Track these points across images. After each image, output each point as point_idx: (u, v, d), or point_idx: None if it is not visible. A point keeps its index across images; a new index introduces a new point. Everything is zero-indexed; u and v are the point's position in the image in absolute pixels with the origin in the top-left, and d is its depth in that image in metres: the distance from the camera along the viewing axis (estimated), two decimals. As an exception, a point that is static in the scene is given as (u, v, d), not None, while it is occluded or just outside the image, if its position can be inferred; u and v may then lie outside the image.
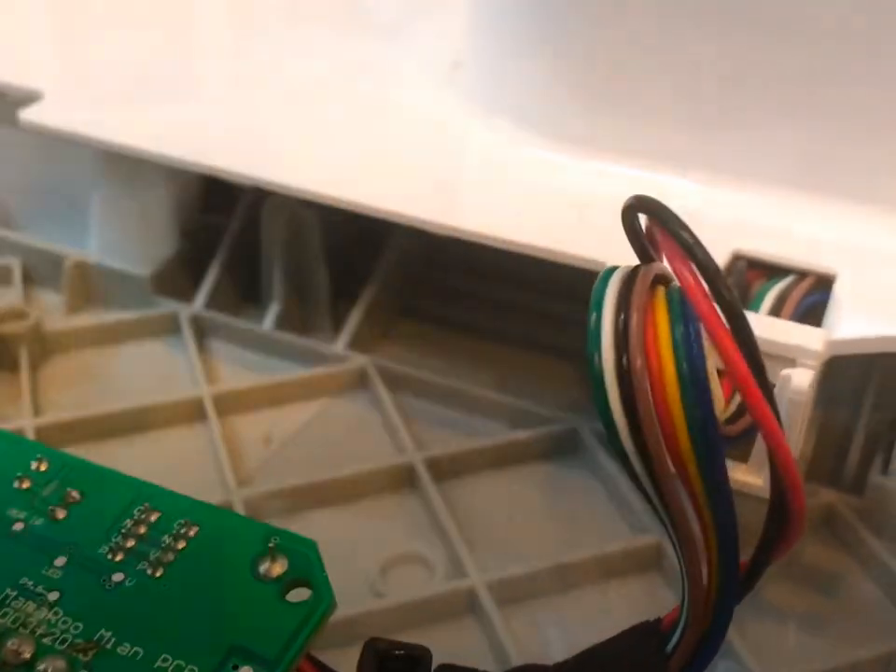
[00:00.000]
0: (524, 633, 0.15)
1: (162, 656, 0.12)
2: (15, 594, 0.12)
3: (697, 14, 0.18)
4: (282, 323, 0.21)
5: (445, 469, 0.18)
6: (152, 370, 0.20)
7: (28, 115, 0.20)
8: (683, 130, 0.18)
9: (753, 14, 0.17)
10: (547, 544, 0.17)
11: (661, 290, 0.12)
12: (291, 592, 0.12)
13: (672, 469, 0.11)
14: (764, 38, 0.17)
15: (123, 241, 0.21)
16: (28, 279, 0.22)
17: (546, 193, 0.19)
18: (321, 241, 0.21)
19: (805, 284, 0.16)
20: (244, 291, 0.21)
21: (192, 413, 0.19)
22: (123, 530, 0.13)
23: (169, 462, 0.18)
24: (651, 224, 0.12)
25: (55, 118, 0.20)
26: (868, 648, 0.15)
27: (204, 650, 0.12)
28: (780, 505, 0.12)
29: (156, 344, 0.21)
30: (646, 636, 0.13)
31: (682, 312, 0.11)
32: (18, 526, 0.13)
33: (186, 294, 0.21)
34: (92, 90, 0.21)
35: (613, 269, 0.12)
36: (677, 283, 0.12)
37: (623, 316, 0.11)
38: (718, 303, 0.11)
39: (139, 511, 0.13)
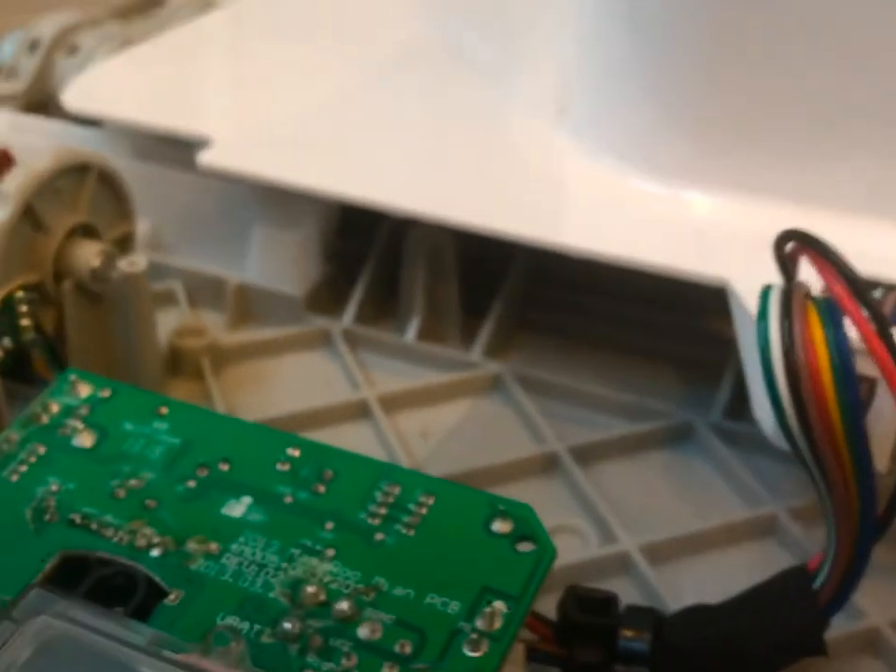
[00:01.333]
0: (672, 587, 0.18)
1: (429, 595, 0.15)
2: (299, 552, 0.15)
3: (795, 56, 0.21)
4: (422, 335, 0.24)
5: (583, 457, 0.21)
6: (314, 377, 0.23)
7: (205, 158, 0.23)
8: (781, 162, 0.22)
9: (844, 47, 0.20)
10: (678, 517, 0.20)
11: (810, 301, 0.15)
12: (519, 545, 0.15)
13: (825, 433, 0.14)
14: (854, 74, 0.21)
15: (279, 266, 0.25)
16: (190, 300, 0.25)
17: (645, 219, 0.22)
18: (455, 262, 0.24)
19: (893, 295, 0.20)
20: (384, 308, 0.25)
21: (358, 412, 0.22)
22: (376, 500, 0.16)
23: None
24: (798, 249, 0.16)
25: (228, 160, 0.23)
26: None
27: (461, 590, 0.15)
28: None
29: (313, 356, 0.24)
30: (796, 577, 0.16)
31: (832, 317, 0.15)
32: (287, 500, 0.16)
33: (332, 312, 0.25)
34: (257, 135, 0.24)
35: (769, 287, 0.15)
36: (821, 295, 0.15)
37: (786, 322, 0.15)
38: (864, 307, 0.14)
39: (385, 484, 0.16)
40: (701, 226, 0.21)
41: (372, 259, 0.25)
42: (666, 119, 0.23)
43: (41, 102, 0.32)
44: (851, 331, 0.15)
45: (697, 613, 0.16)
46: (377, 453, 0.21)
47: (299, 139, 0.25)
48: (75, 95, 0.26)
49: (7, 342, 0.19)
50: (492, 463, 0.21)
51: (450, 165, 0.24)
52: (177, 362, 0.23)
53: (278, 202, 0.24)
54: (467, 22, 0.29)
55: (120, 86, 0.26)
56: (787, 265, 0.16)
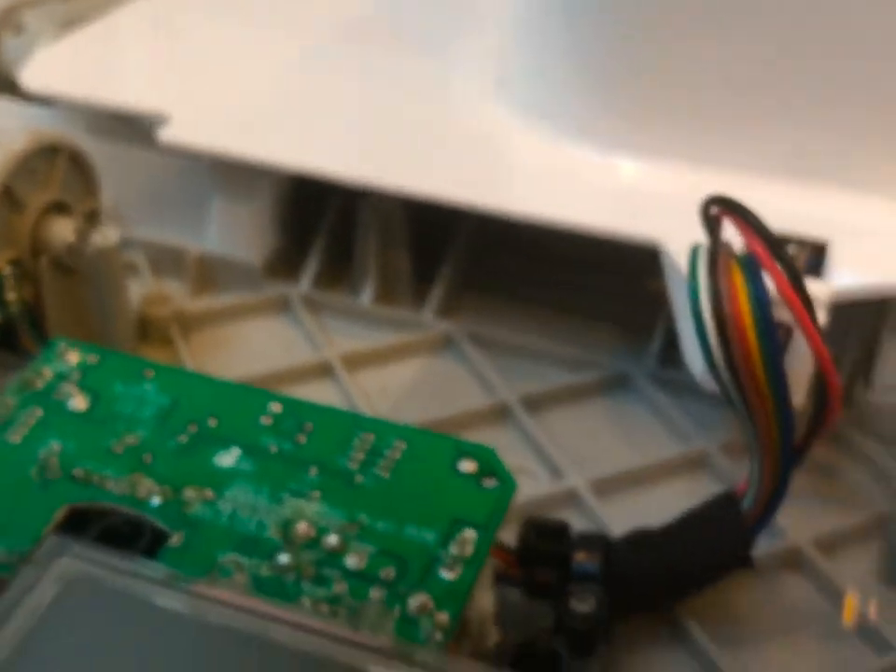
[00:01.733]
0: (615, 517, 0.20)
1: (407, 528, 0.16)
2: (288, 495, 0.17)
3: (715, 25, 0.23)
4: (376, 299, 0.26)
5: (531, 405, 0.23)
6: (276, 340, 0.25)
7: (165, 135, 0.25)
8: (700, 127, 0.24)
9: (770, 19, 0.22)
10: (620, 456, 0.22)
11: (733, 259, 0.17)
12: (484, 481, 0.17)
13: (749, 374, 0.17)
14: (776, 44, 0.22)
15: (237, 236, 0.26)
16: (153, 271, 0.26)
17: (580, 185, 0.24)
18: (405, 229, 0.26)
19: (805, 251, 0.22)
20: (338, 275, 0.26)
21: (321, 371, 0.24)
22: (354, 447, 0.18)
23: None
24: (721, 212, 0.18)
25: (187, 136, 0.25)
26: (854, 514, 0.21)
27: (435, 522, 0.17)
28: (821, 394, 0.17)
29: (274, 320, 0.25)
30: (725, 502, 0.18)
31: (752, 272, 0.17)
32: (273, 449, 0.18)
33: (290, 279, 0.26)
34: (212, 111, 0.26)
35: (697, 247, 0.17)
36: (743, 253, 0.17)
37: (713, 278, 0.16)
38: (780, 263, 0.16)
39: (361, 433, 0.18)
40: (632, 190, 0.23)
41: (326, 228, 0.26)
42: (597, 90, 0.24)
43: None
44: (770, 284, 0.17)
45: (639, 537, 0.18)
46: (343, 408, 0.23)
47: (251, 114, 0.26)
48: (33, 75, 0.27)
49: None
50: (449, 414, 0.22)
51: (395, 136, 0.25)
52: (146, 329, 0.24)
53: (234, 175, 0.25)
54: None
55: (77, 65, 0.27)
56: (713, 226, 0.18)
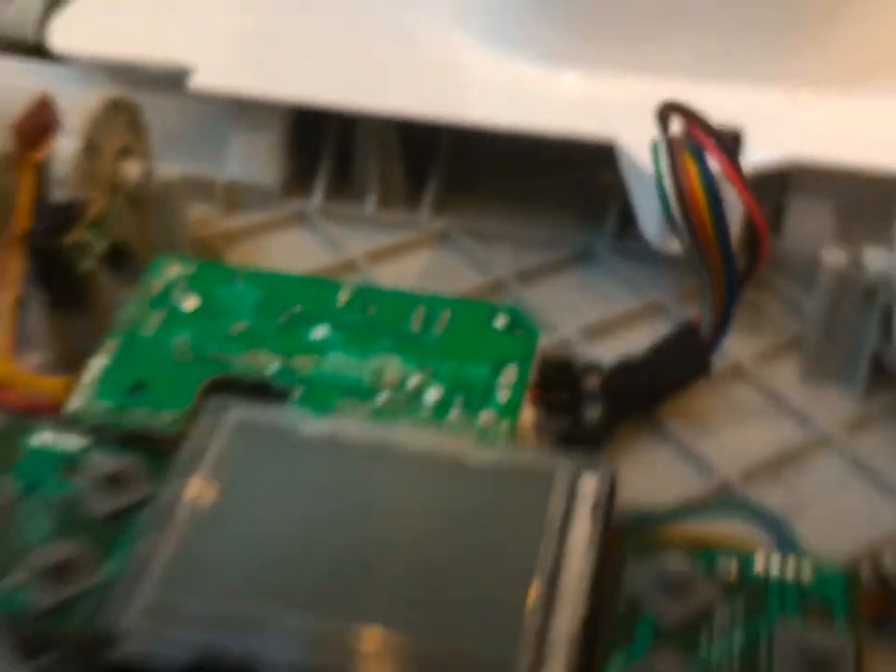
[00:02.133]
0: (600, 354, 0.26)
1: (465, 367, 0.22)
2: (371, 354, 0.22)
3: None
4: (378, 205, 0.31)
5: (521, 278, 0.29)
6: (302, 246, 0.30)
7: (193, 82, 0.29)
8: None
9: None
10: (596, 311, 0.28)
11: (684, 147, 0.23)
12: (515, 330, 0.23)
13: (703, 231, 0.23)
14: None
15: (256, 163, 0.31)
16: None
17: (537, 96, 0.30)
18: (397, 144, 0.31)
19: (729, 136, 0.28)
20: (343, 189, 0.31)
21: (347, 268, 0.29)
22: (412, 316, 0.23)
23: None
24: (670, 112, 0.23)
25: (210, 82, 0.29)
26: (778, 335, 0.27)
27: (484, 362, 0.22)
28: (754, 243, 0.23)
29: (296, 232, 0.31)
30: (687, 329, 0.24)
31: (700, 155, 0.22)
32: (351, 322, 0.23)
33: (303, 196, 0.31)
34: (224, 57, 0.30)
35: (657, 141, 0.23)
36: (692, 143, 0.23)
37: (672, 163, 0.22)
38: (719, 148, 0.22)
39: (415, 304, 0.23)
40: (584, 98, 0.29)
41: (329, 150, 0.31)
42: (543, 11, 0.30)
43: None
44: (713, 164, 0.23)
45: (625, 362, 0.25)
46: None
47: (255, 57, 0.31)
48: (61, 38, 0.31)
49: (103, 244, 0.25)
50: (457, 291, 0.28)
51: (371, 65, 0.30)
52: (196, 247, 0.29)
53: (248, 112, 0.30)
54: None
55: (98, 24, 0.32)
56: (666, 125, 0.24)
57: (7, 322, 0.25)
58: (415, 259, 0.30)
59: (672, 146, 0.23)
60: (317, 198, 0.31)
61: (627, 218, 0.29)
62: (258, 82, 0.30)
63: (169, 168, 0.30)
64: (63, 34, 0.31)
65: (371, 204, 0.31)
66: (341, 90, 0.29)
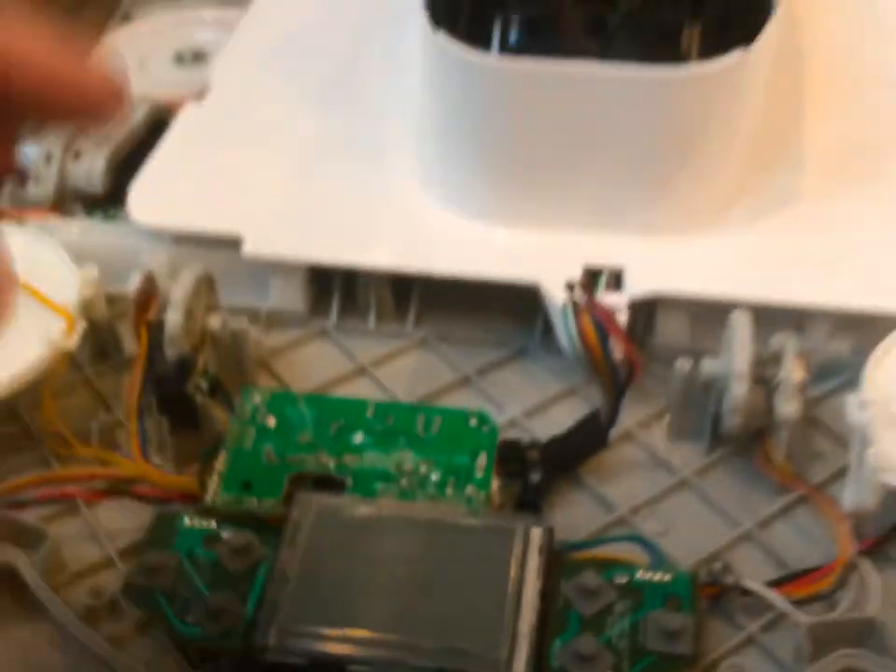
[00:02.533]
0: (539, 428, 0.39)
1: (454, 457, 0.35)
2: (393, 450, 0.35)
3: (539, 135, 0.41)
4: (377, 322, 0.43)
5: (481, 373, 0.41)
6: (326, 357, 0.42)
7: (246, 248, 0.41)
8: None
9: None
10: (536, 394, 0.41)
11: (585, 310, 0.36)
12: (482, 427, 0.36)
13: (598, 363, 0.36)
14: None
15: (288, 297, 0.43)
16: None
17: (480, 247, 0.42)
18: (386, 280, 0.43)
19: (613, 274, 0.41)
20: (349, 312, 0.44)
21: (360, 372, 0.42)
22: (416, 421, 0.36)
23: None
24: (575, 286, 0.36)
25: (259, 248, 0.41)
26: (654, 405, 0.40)
27: (466, 452, 0.35)
28: (631, 368, 0.36)
29: (320, 345, 0.43)
30: (593, 417, 0.37)
31: (596, 317, 0.35)
32: (378, 429, 0.36)
33: (322, 317, 0.43)
34: (267, 225, 0.42)
35: (566, 304, 0.36)
36: (590, 308, 0.36)
37: (576, 320, 0.35)
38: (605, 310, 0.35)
39: (417, 413, 0.36)
40: (512, 248, 0.42)
41: (338, 284, 0.43)
42: (482, 181, 0.42)
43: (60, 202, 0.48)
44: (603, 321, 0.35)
45: (555, 439, 0.37)
46: (379, 395, 0.41)
47: (281, 227, 0.43)
48: (138, 211, 0.43)
49: (206, 384, 0.37)
50: (437, 385, 0.41)
51: (363, 230, 0.43)
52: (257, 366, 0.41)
53: (282, 264, 0.43)
54: (346, 116, 0.47)
55: (166, 196, 0.43)
56: (572, 295, 0.36)
57: (133, 434, 0.37)
58: (406, 361, 0.42)
59: (576, 309, 0.36)
60: (333, 318, 0.43)
61: (549, 326, 0.41)
62: (286, 248, 0.42)
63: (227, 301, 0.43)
64: (139, 206, 0.43)
65: (371, 321, 0.43)
66: (337, 250, 0.42)
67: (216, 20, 0.58)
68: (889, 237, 0.41)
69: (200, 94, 0.49)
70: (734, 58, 0.38)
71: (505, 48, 0.42)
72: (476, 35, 0.41)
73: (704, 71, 0.38)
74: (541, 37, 0.42)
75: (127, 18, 0.59)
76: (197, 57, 0.55)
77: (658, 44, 0.42)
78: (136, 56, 0.55)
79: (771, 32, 0.39)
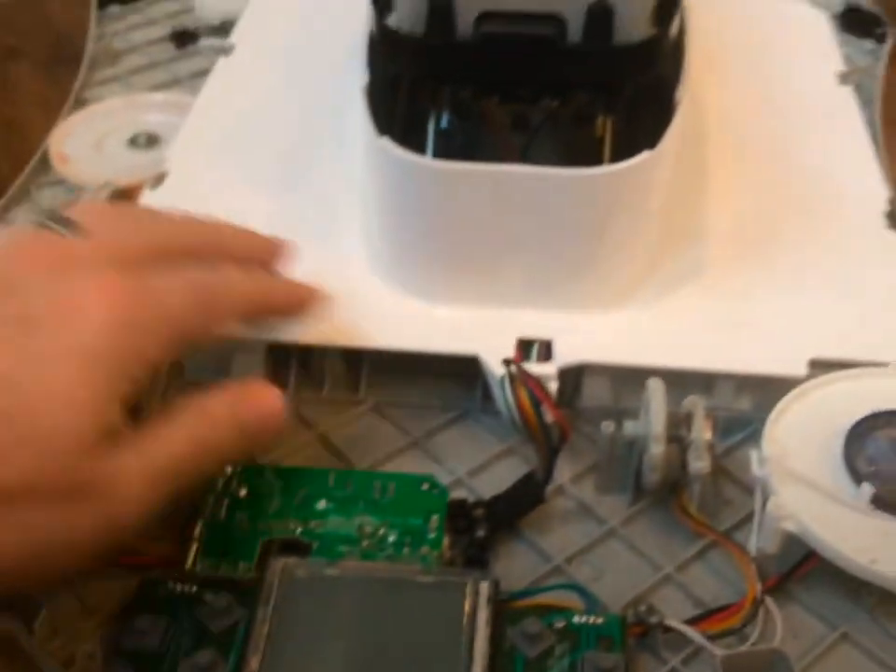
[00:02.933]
0: (482, 488, 0.44)
1: (408, 519, 0.39)
2: (354, 515, 0.39)
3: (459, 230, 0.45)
4: (331, 390, 0.47)
5: (428, 435, 0.46)
6: (288, 423, 0.46)
7: (208, 331, 0.45)
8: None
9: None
10: (479, 455, 0.45)
11: (520, 380, 0.40)
12: (432, 490, 0.40)
13: (532, 427, 0.40)
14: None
15: (249, 369, 0.47)
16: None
17: (423, 323, 0.47)
18: (340, 353, 0.47)
19: (543, 346, 0.45)
20: (307, 383, 0.48)
21: (322, 439, 0.46)
22: (374, 487, 0.40)
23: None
24: (507, 362, 0.41)
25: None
26: (584, 462, 0.45)
27: (419, 514, 0.39)
28: (563, 432, 0.41)
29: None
30: (529, 476, 0.42)
31: (529, 387, 0.40)
32: (338, 495, 0.40)
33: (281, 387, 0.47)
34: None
35: (504, 375, 0.41)
36: (524, 380, 0.40)
37: (512, 389, 0.40)
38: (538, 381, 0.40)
39: (374, 480, 0.40)
40: (453, 324, 0.46)
41: (295, 357, 0.47)
42: (424, 265, 0.47)
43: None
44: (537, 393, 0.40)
45: (496, 497, 0.42)
46: (336, 461, 0.45)
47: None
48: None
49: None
50: (390, 448, 0.45)
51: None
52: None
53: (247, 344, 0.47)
54: (298, 200, 0.51)
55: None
56: (509, 368, 0.41)
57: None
58: (359, 426, 0.46)
59: (511, 381, 0.40)
60: (291, 388, 0.47)
61: (488, 391, 0.46)
62: (246, 330, 0.45)
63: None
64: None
65: (326, 389, 0.47)
66: (294, 329, 0.46)
67: (167, 102, 0.62)
68: (782, 304, 0.47)
69: (157, 179, 0.53)
70: (641, 157, 0.43)
71: (438, 145, 0.46)
72: (411, 133, 0.46)
73: (615, 170, 0.43)
74: (471, 133, 0.46)
75: (81, 103, 0.62)
76: (151, 140, 0.59)
77: (576, 135, 0.47)
78: (92, 140, 0.59)
79: (674, 132, 0.44)
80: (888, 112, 0.64)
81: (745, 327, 0.45)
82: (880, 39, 0.69)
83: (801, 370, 0.44)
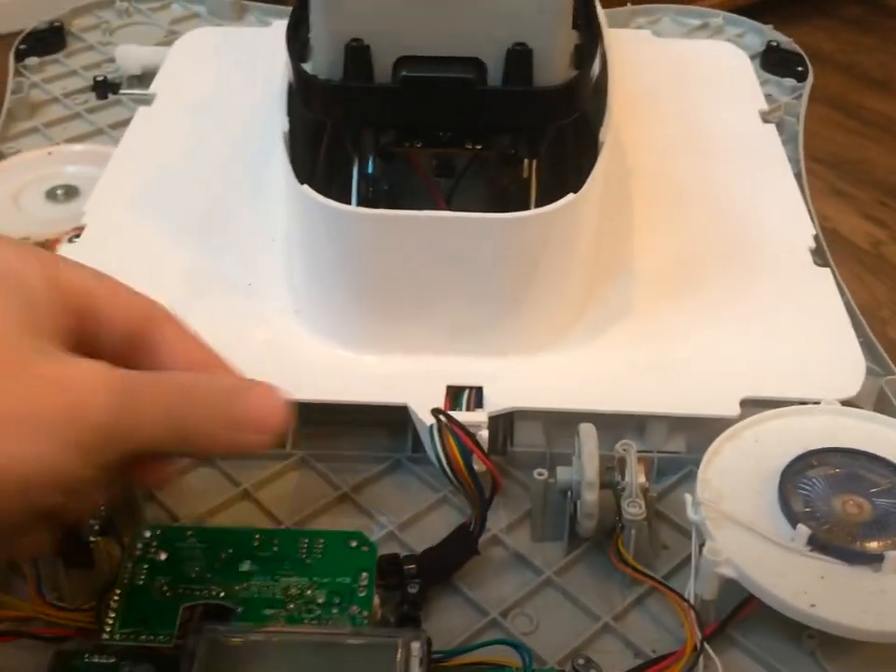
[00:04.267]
0: (414, 541, 0.42)
1: (336, 578, 0.38)
2: (279, 576, 0.38)
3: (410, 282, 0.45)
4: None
5: (355, 489, 0.44)
6: (214, 481, 0.45)
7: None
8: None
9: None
10: (407, 505, 0.44)
11: (448, 429, 0.39)
12: (362, 547, 0.39)
13: (463, 477, 0.39)
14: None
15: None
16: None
17: (350, 373, 0.45)
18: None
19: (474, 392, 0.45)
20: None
21: (244, 495, 0.44)
22: (299, 545, 0.39)
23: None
24: (437, 412, 0.40)
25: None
26: (517, 509, 0.44)
27: (348, 572, 0.38)
28: (494, 482, 0.40)
29: (207, 471, 0.45)
30: (463, 527, 0.40)
31: (457, 437, 0.39)
32: (264, 555, 0.38)
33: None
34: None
35: (433, 425, 0.39)
36: (454, 431, 0.39)
37: (440, 438, 0.39)
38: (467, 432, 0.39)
39: (299, 538, 0.39)
40: (380, 373, 0.45)
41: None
42: (349, 313, 0.46)
43: None
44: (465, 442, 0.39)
45: (429, 550, 0.41)
46: (263, 518, 0.43)
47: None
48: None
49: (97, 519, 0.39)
50: (318, 502, 0.44)
51: (240, 357, 0.45)
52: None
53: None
54: (219, 250, 0.50)
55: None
56: (438, 419, 0.40)
57: (28, 574, 0.39)
58: (287, 482, 0.45)
59: (440, 431, 0.39)
60: (215, 445, 0.46)
61: (418, 440, 0.45)
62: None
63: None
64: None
65: (258, 449, 0.46)
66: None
67: (87, 153, 0.60)
68: (711, 344, 0.46)
69: (74, 232, 0.52)
70: (566, 200, 0.43)
71: (362, 192, 0.45)
72: (334, 180, 0.45)
73: (540, 213, 0.43)
74: (395, 179, 0.46)
75: (-2, 156, 0.61)
76: (69, 193, 0.57)
77: (501, 179, 0.47)
78: (9, 193, 0.57)
79: (598, 173, 0.44)
80: (808, 149, 0.65)
81: (675, 368, 0.45)
82: (801, 78, 0.70)
83: (733, 409, 0.43)
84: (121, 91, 0.68)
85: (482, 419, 0.43)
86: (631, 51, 0.65)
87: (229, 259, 0.50)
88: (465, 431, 0.39)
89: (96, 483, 0.31)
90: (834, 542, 0.37)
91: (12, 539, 0.33)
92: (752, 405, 0.43)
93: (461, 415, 0.42)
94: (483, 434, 0.42)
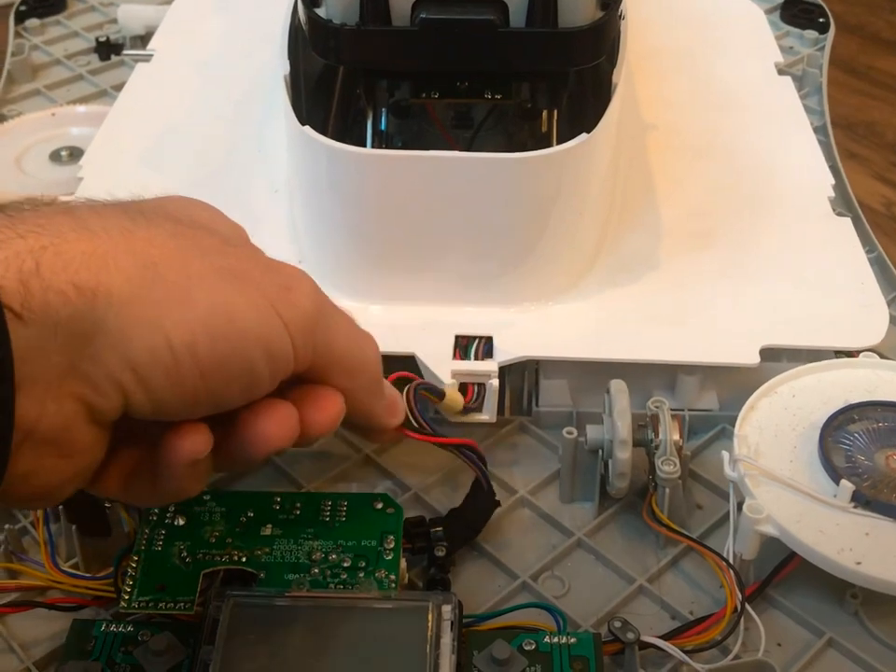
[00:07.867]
0: (438, 502, 0.41)
1: (362, 540, 0.36)
2: (302, 539, 0.36)
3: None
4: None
5: (379, 452, 0.43)
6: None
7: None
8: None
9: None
10: (430, 472, 0.42)
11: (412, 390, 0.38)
12: (388, 510, 0.37)
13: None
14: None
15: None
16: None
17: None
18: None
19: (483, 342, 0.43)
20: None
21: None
22: (321, 509, 0.37)
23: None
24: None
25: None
26: (543, 470, 0.42)
27: (373, 535, 0.36)
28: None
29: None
30: (477, 482, 0.39)
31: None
32: (285, 520, 0.37)
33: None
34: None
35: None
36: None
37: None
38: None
39: (322, 501, 0.37)
40: (388, 323, 0.43)
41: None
42: (355, 262, 0.44)
43: None
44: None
45: (453, 512, 0.39)
46: (284, 482, 0.42)
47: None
48: None
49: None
50: (342, 467, 0.42)
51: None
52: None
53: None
54: (219, 203, 0.48)
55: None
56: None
57: (41, 542, 0.38)
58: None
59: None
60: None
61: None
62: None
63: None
64: None
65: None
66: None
67: (90, 114, 0.58)
68: (731, 294, 0.45)
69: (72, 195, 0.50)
70: (579, 140, 0.41)
71: (376, 145, 0.44)
72: (346, 136, 0.43)
73: (553, 152, 0.41)
74: (410, 133, 0.44)
75: (0, 118, 0.59)
76: (73, 154, 0.56)
77: (520, 130, 0.45)
78: (12, 156, 0.56)
79: (611, 114, 0.42)
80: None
81: (693, 317, 0.43)
82: (822, 29, 0.68)
83: (753, 358, 0.42)
84: (124, 52, 0.67)
85: (492, 368, 0.41)
86: (645, 6, 0.63)
87: (229, 211, 0.48)
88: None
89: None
90: (879, 498, 0.36)
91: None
92: (772, 353, 0.42)
93: (471, 365, 0.41)
94: (494, 383, 0.41)
